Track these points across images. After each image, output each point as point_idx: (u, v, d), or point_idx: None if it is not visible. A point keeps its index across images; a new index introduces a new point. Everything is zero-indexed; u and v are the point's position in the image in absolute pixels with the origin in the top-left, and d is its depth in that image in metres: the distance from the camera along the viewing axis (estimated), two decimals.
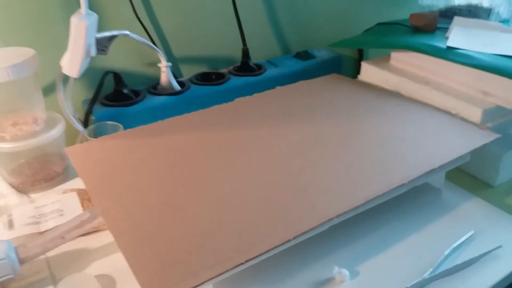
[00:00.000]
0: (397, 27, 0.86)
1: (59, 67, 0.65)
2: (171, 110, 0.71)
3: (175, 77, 0.79)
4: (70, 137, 0.73)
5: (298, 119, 0.64)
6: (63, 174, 0.68)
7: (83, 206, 0.59)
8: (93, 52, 0.65)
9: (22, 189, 0.65)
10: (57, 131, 0.65)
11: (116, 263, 0.51)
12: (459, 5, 0.94)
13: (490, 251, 0.50)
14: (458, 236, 0.53)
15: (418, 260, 0.50)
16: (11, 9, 0.68)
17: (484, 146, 0.57)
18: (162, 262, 0.40)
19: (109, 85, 0.74)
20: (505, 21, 0.92)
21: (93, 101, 0.73)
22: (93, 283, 0.48)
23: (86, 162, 0.56)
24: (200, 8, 0.84)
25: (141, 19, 0.77)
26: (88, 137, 0.64)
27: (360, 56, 1.04)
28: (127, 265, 0.40)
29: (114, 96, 0.74)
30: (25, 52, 0.61)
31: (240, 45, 0.85)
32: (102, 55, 0.68)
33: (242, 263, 0.41)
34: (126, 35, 0.69)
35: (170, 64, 0.77)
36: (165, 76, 0.77)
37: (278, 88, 0.75)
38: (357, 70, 0.81)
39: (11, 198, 0.63)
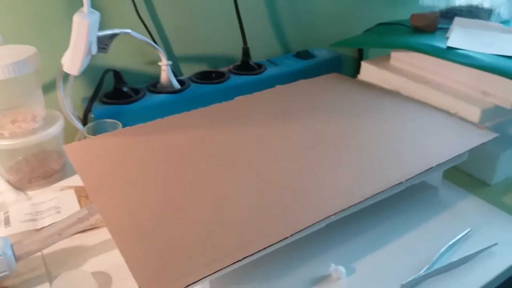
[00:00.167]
0: (397, 27, 0.86)
1: (60, 65, 0.65)
2: (170, 109, 0.71)
3: (175, 76, 0.79)
4: (69, 135, 0.73)
5: (298, 117, 0.64)
6: (60, 172, 0.68)
7: (80, 203, 0.59)
8: (94, 50, 0.65)
9: (19, 186, 0.65)
10: (56, 128, 0.65)
11: (113, 260, 0.51)
12: (460, 6, 0.94)
13: (486, 248, 0.51)
14: (454, 234, 0.53)
15: (414, 257, 0.50)
16: (13, 8, 0.68)
17: (482, 145, 0.57)
18: (159, 260, 0.40)
19: (109, 83, 0.74)
20: (505, 22, 0.92)
21: (92, 99, 0.73)
22: (89, 280, 0.48)
23: (84, 160, 0.56)
24: (202, 7, 0.84)
25: (143, 18, 0.77)
26: (87, 135, 0.64)
27: (360, 56, 1.04)
28: (123, 262, 0.40)
29: (114, 94, 0.74)
30: (26, 50, 0.61)
31: (240, 44, 0.85)
32: (102, 53, 0.68)
33: (239, 260, 0.40)
34: (128, 33, 0.69)
35: (170, 62, 0.77)
36: (165, 74, 0.77)
37: (278, 87, 0.75)
38: (357, 70, 0.81)
39: (8, 195, 0.63)
